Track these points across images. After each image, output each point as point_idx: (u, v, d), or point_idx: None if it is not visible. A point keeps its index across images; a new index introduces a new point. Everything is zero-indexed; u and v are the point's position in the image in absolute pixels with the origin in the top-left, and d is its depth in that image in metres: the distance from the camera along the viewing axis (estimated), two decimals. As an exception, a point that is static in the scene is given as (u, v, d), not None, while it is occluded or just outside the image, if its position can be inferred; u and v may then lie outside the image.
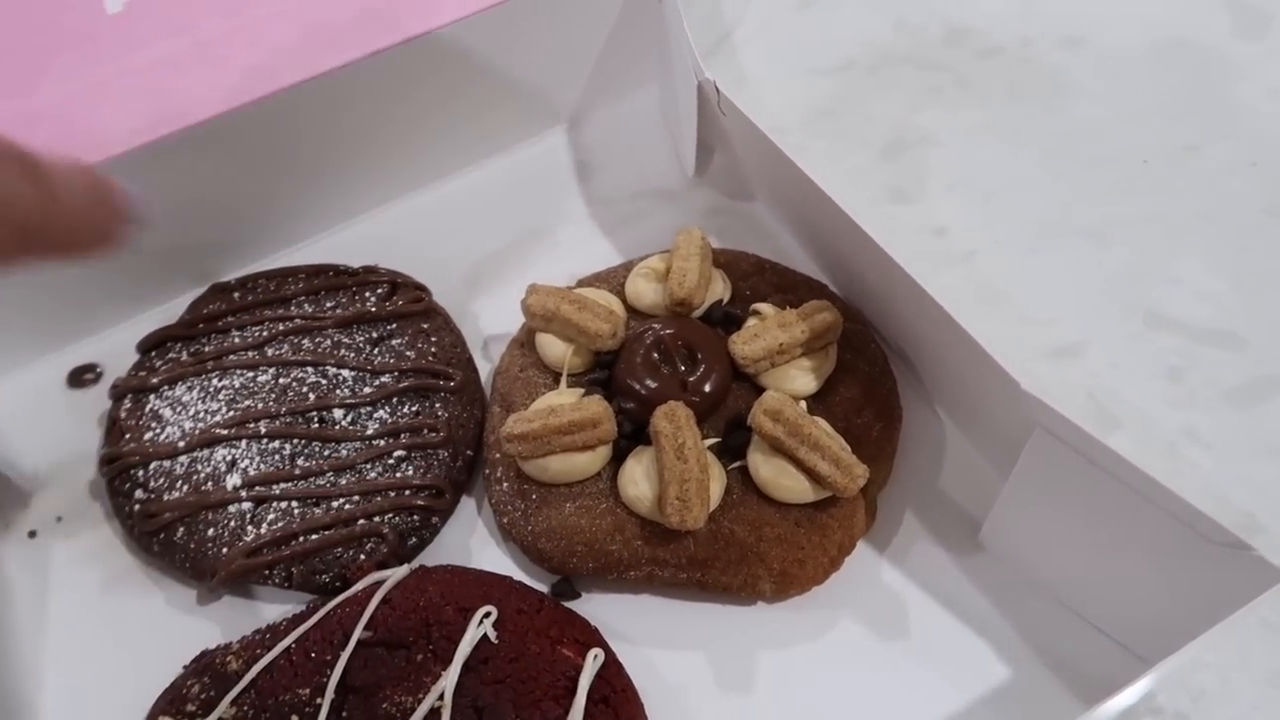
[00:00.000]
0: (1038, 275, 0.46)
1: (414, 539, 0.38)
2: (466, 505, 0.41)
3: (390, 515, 0.38)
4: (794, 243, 0.47)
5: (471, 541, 0.40)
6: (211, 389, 0.40)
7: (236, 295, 0.43)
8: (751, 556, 0.36)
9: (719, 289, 0.42)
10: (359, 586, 0.36)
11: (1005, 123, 0.52)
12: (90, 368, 0.45)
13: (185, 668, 0.36)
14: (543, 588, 0.38)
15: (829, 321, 0.39)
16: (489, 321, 0.46)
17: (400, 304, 0.43)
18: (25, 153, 0.26)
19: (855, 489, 0.36)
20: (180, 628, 0.38)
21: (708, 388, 0.38)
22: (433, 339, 0.42)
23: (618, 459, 0.38)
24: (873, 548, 0.39)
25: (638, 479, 0.37)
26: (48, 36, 0.46)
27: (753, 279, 0.43)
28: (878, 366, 0.41)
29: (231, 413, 0.39)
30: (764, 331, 0.39)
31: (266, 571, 0.37)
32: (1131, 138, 0.50)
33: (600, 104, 0.52)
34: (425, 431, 0.39)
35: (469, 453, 0.41)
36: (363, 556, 0.37)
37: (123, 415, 0.40)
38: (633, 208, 0.49)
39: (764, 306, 0.41)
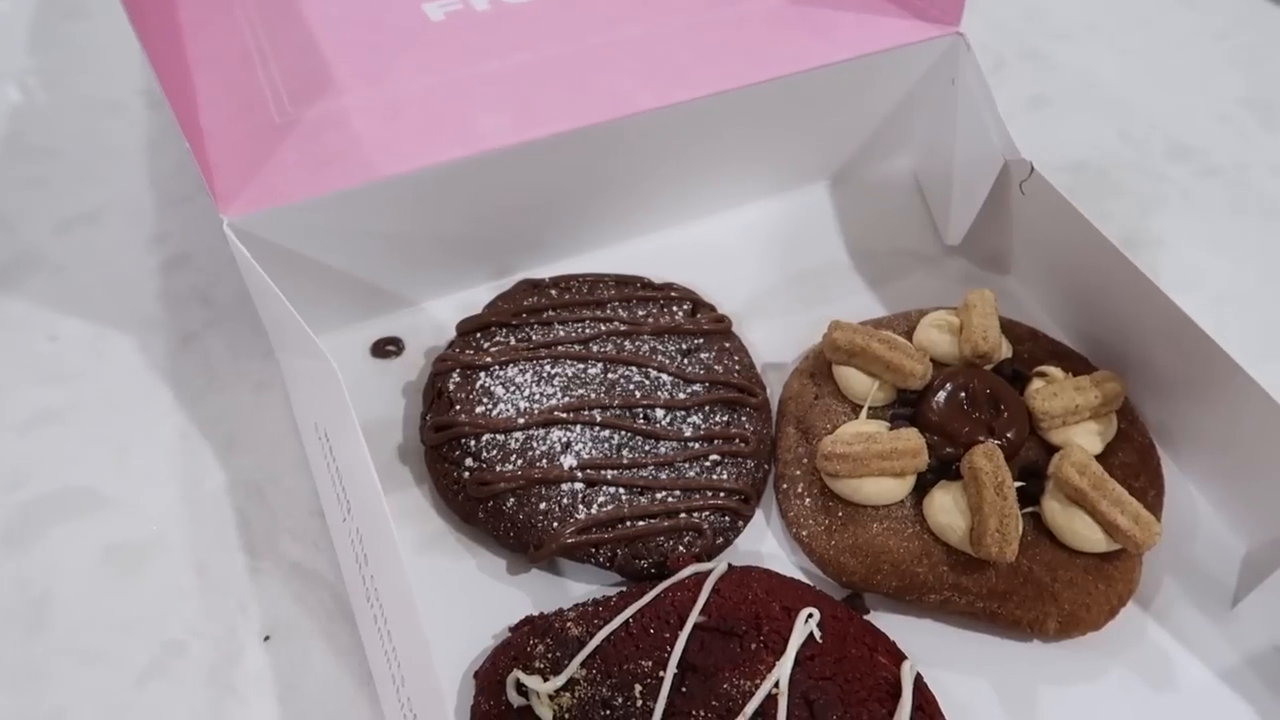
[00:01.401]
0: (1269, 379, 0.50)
1: (721, 539, 0.41)
2: (756, 516, 0.44)
3: (707, 513, 0.41)
4: (1045, 317, 0.51)
5: (762, 549, 0.43)
6: (545, 374, 0.43)
7: (554, 292, 0.47)
8: (1046, 595, 0.39)
9: (1005, 349, 0.46)
10: (683, 574, 0.39)
11: (1227, 236, 0.56)
12: (393, 340, 0.48)
13: (514, 629, 0.39)
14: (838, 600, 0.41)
15: (1116, 390, 0.43)
16: (763, 349, 0.49)
17: (705, 322, 0.46)
18: None
19: (1152, 544, 0.39)
20: (492, 592, 0.41)
21: (1011, 435, 0.41)
22: (735, 358, 0.46)
23: (919, 490, 0.41)
24: (1138, 605, 0.42)
25: (948, 509, 0.40)
26: (386, 32, 0.50)
27: (1028, 344, 0.47)
28: (1147, 438, 0.44)
29: (567, 398, 0.42)
30: (1061, 391, 0.42)
31: (593, 549, 0.40)
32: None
33: (860, 166, 0.56)
34: (736, 441, 0.43)
35: (767, 466, 0.44)
36: (681, 548, 0.40)
37: (451, 388, 0.43)
38: (890, 264, 0.53)
39: (1051, 370, 0.44)
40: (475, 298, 0.49)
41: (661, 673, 0.36)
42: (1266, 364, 0.50)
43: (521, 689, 0.36)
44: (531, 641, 0.37)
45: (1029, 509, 0.41)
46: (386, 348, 0.48)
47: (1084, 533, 0.40)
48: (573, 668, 0.36)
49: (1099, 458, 0.42)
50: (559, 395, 0.42)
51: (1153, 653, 0.41)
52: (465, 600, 0.41)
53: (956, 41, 0.51)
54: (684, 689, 0.36)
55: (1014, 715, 0.39)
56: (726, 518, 0.41)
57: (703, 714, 0.35)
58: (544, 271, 0.50)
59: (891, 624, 0.41)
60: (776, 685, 0.36)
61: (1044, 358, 0.46)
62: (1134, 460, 0.43)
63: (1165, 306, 0.41)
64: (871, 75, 0.51)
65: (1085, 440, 0.42)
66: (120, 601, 0.40)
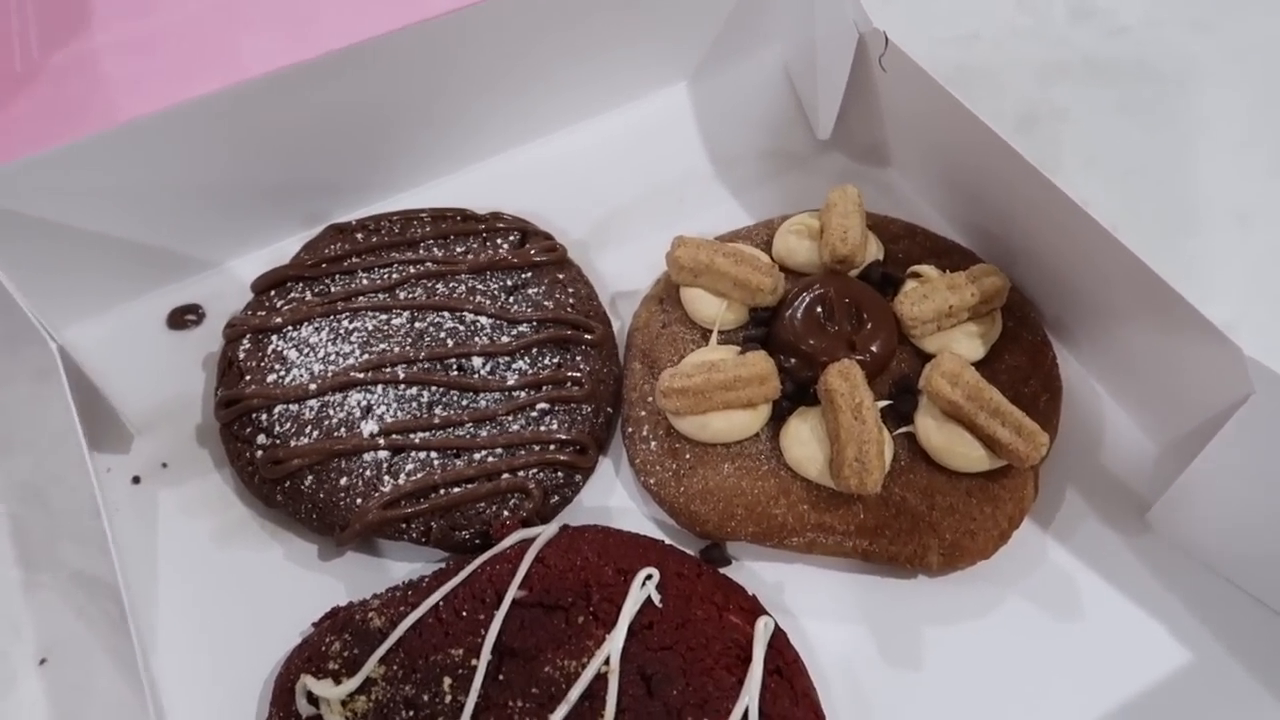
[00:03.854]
0: (1185, 256, 0.45)
1: (556, 497, 0.36)
2: (603, 465, 0.39)
3: (535, 470, 0.36)
4: (932, 211, 0.45)
5: (611, 502, 0.38)
6: (342, 331, 0.37)
7: (359, 236, 0.41)
8: (924, 526, 0.34)
9: (873, 250, 0.40)
10: (506, 544, 0.34)
11: (1138, 102, 0.50)
12: (192, 308, 0.42)
13: (317, 624, 0.34)
14: (690, 553, 0.36)
15: (997, 286, 0.37)
16: (615, 277, 0.44)
17: (534, 253, 0.40)
18: None
19: (1038, 457, 0.34)
20: (301, 583, 0.36)
21: (875, 347, 0.36)
22: (569, 290, 0.40)
23: (776, 419, 0.36)
24: (1036, 524, 0.37)
25: (805, 439, 0.35)
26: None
27: (903, 242, 0.41)
28: (1039, 335, 0.39)
29: (366, 356, 0.37)
30: (932, 293, 0.37)
31: (404, 525, 0.35)
32: (1273, 125, 0.49)
33: (721, 62, 0.50)
34: (568, 385, 0.37)
35: (609, 409, 0.38)
36: (506, 513, 0.35)
37: (241, 356, 0.38)
38: (759, 168, 0.47)
39: (926, 269, 0.39)
40: (284, 251, 0.43)
41: (474, 661, 0.31)
42: (1177, 239, 0.45)
43: (312, 697, 0.31)
44: (328, 639, 0.32)
45: (903, 429, 0.36)
46: (185, 317, 0.42)
47: (962, 451, 0.35)
48: (369, 666, 0.31)
49: (982, 364, 0.37)
50: (357, 353, 0.37)
51: (1054, 577, 0.36)
52: (272, 595, 0.36)
53: (804, -95, 0.44)
54: (500, 677, 0.31)
55: (897, 662, 0.34)
56: (560, 474, 0.36)
57: (521, 704, 0.30)
58: (357, 212, 0.44)
59: (759, 573, 0.36)
60: (607, 662, 0.31)
61: (921, 256, 0.40)
62: (1023, 362, 0.38)
63: (1053, 192, 0.35)
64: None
65: (963, 346, 0.37)
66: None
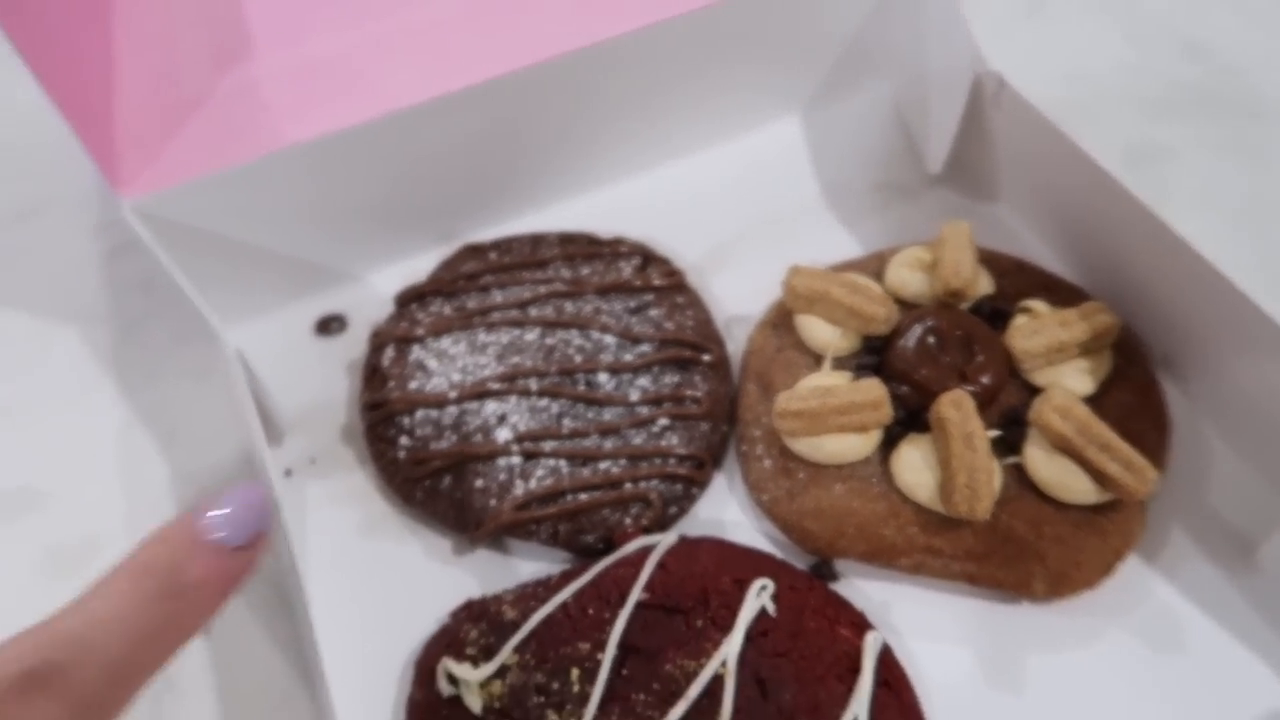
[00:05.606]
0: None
1: (674, 508, 0.38)
2: (717, 480, 0.41)
3: (655, 482, 0.38)
4: (1042, 247, 0.46)
5: (724, 516, 0.40)
6: (479, 343, 0.40)
7: (493, 256, 0.44)
8: (1030, 554, 0.36)
9: (985, 284, 0.41)
10: (628, 549, 0.36)
11: (1248, 142, 0.50)
12: (336, 318, 0.46)
13: (453, 614, 0.36)
14: (800, 568, 0.38)
15: (1108, 323, 0.38)
16: (729, 301, 0.46)
17: (655, 278, 0.43)
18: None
19: (1146, 492, 0.35)
20: (437, 575, 0.39)
21: (986, 379, 0.38)
22: (688, 313, 0.42)
23: (887, 444, 0.38)
24: (1142, 559, 0.38)
25: (916, 465, 0.36)
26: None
27: (1013, 277, 0.42)
28: (1148, 374, 0.40)
29: (501, 367, 0.39)
30: (1043, 328, 0.38)
31: (533, 526, 0.37)
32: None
33: (832, 95, 0.52)
34: (687, 403, 0.39)
35: (724, 428, 0.40)
36: (628, 521, 0.37)
37: (385, 363, 0.41)
38: (869, 200, 0.49)
39: (1036, 304, 0.40)
40: (421, 266, 0.46)
41: (600, 655, 0.33)
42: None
43: (452, 678, 0.34)
44: (466, 627, 0.35)
45: (1010, 460, 0.37)
46: (329, 325, 0.46)
47: (1071, 483, 0.36)
48: (504, 654, 0.34)
49: (1092, 399, 0.38)
50: (493, 365, 0.40)
51: (1159, 612, 0.37)
52: (411, 585, 0.39)
53: (924, -51, 0.46)
54: (624, 672, 0.33)
55: (998, 686, 0.36)
56: (678, 486, 0.38)
57: (644, 698, 0.33)
58: (492, 234, 0.47)
59: (866, 591, 0.38)
60: (724, 664, 0.33)
61: (1031, 291, 0.42)
62: (1132, 399, 0.39)
63: (1162, 231, 0.36)
64: (834, -8, 0.47)
65: (1073, 380, 0.38)
66: (58, 603, 0.39)
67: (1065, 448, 0.36)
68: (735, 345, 0.44)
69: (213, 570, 0.24)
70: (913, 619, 0.37)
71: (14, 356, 0.46)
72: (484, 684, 0.33)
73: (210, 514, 0.24)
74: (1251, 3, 0.57)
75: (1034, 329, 0.38)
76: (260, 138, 0.41)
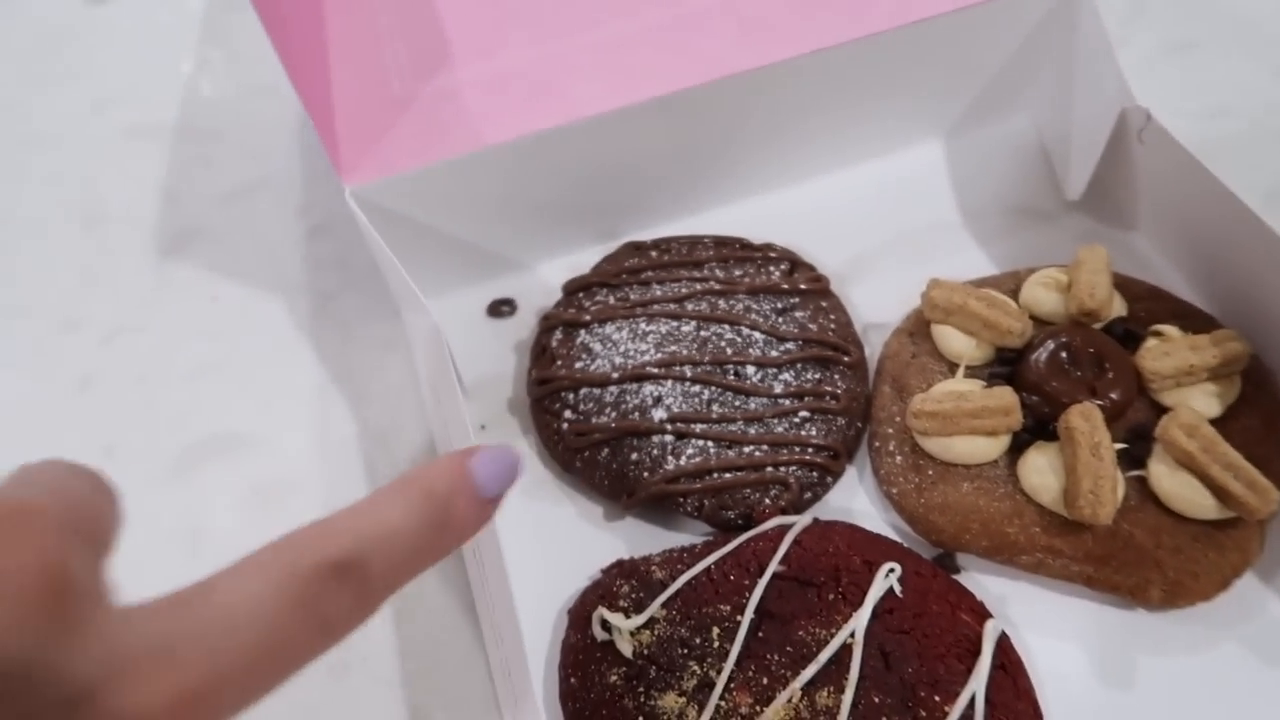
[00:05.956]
0: None
1: (809, 493, 0.42)
2: (848, 473, 0.44)
3: (793, 468, 0.41)
4: (1176, 275, 0.48)
5: (853, 505, 0.43)
6: (640, 331, 0.45)
7: (653, 254, 0.48)
8: (1148, 561, 0.38)
9: (1118, 307, 0.44)
10: (766, 526, 0.40)
11: (1399, 185, 0.51)
12: (507, 301, 0.51)
13: (605, 571, 0.41)
14: (925, 557, 0.41)
15: (1239, 351, 0.40)
16: (866, 308, 0.49)
17: (802, 282, 0.46)
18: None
19: (1267, 512, 0.37)
20: (589, 537, 0.43)
21: (1115, 395, 0.40)
22: (831, 317, 0.46)
23: (1014, 449, 0.41)
24: (1258, 578, 0.40)
25: (1042, 469, 0.39)
26: (504, 7, 0.53)
27: (1146, 302, 0.44)
28: (1276, 402, 0.41)
29: (659, 354, 0.44)
30: (1174, 351, 0.40)
31: (680, 499, 0.41)
32: None
33: (975, 122, 0.54)
34: (826, 398, 0.43)
35: (859, 424, 0.44)
36: (767, 501, 0.41)
37: (554, 344, 0.45)
38: (1005, 222, 0.52)
39: (1168, 328, 0.42)
40: (583, 259, 0.51)
41: (739, 617, 0.37)
42: None
43: (606, 625, 0.38)
44: (618, 582, 0.39)
45: (1134, 473, 0.39)
46: (501, 307, 0.51)
47: (1193, 498, 0.38)
48: (654, 608, 0.38)
49: (1218, 421, 0.40)
50: (652, 351, 0.44)
51: (1272, 629, 0.39)
52: (563, 543, 0.43)
53: (1076, -13, 0.48)
54: (760, 634, 0.37)
55: (1109, 683, 0.38)
56: (814, 473, 0.42)
57: (777, 658, 0.36)
58: (648, 234, 0.51)
59: (984, 584, 0.41)
60: (852, 635, 0.36)
61: (1163, 316, 0.44)
62: (1258, 425, 0.40)
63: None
64: (983, 25, 0.49)
65: (1201, 403, 0.40)
66: (262, 533, 0.45)
67: (1189, 464, 0.38)
68: (871, 349, 0.47)
69: (470, 512, 0.25)
70: (1029, 614, 0.40)
71: (227, 318, 0.53)
72: (635, 632, 0.37)
73: (479, 461, 0.25)
74: None
75: (1164, 351, 0.40)
76: (458, 138, 0.46)
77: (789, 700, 0.35)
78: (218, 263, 0.55)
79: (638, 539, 0.43)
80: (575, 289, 0.48)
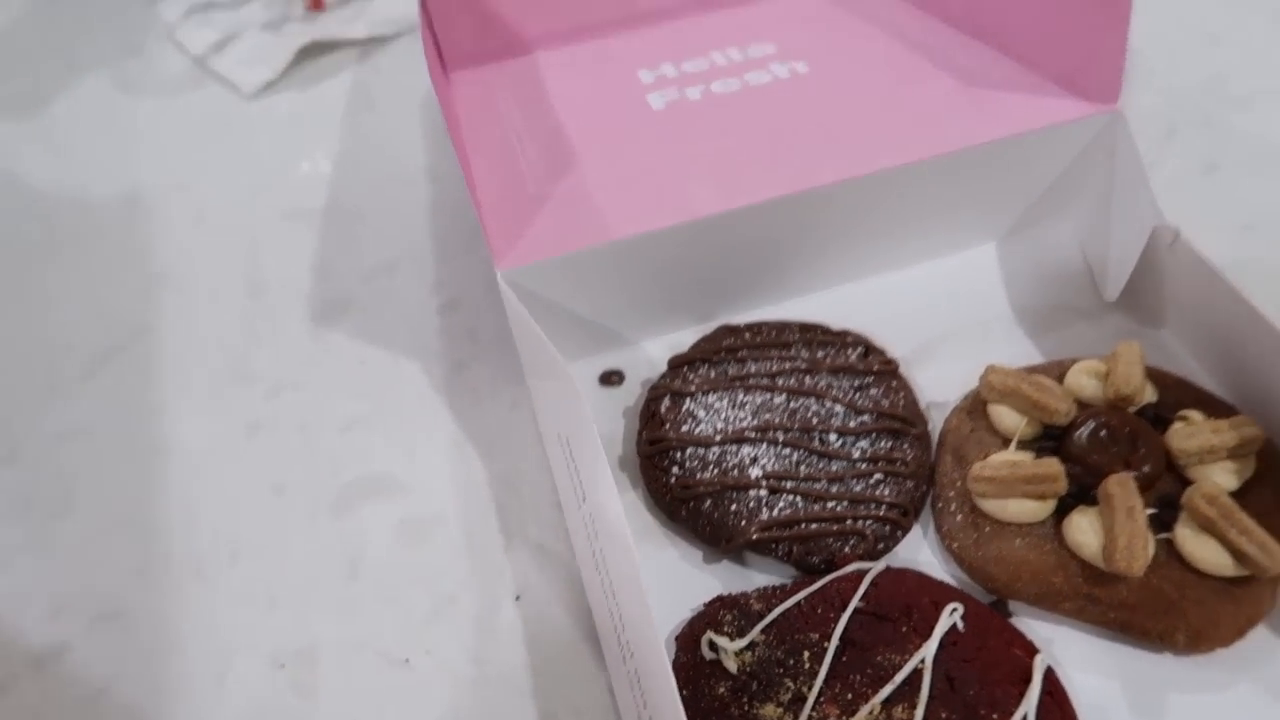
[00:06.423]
0: None
1: (882, 544, 0.49)
2: (914, 529, 0.51)
3: (869, 522, 0.49)
4: (1200, 369, 0.55)
5: (919, 557, 0.50)
6: (738, 401, 0.53)
7: (746, 335, 0.56)
8: (1175, 611, 0.45)
9: (1149, 394, 0.51)
10: (846, 570, 0.47)
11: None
12: (617, 372, 0.59)
13: (707, 604, 0.48)
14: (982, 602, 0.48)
15: (1254, 434, 0.47)
16: (929, 389, 0.56)
17: (875, 365, 0.54)
18: None
19: (1276, 570, 0.43)
20: (689, 576, 0.50)
21: (1147, 468, 0.47)
22: (900, 395, 0.53)
23: (1060, 511, 0.48)
24: (1270, 629, 0.46)
25: (1084, 529, 0.46)
26: (620, 120, 0.62)
27: (1173, 391, 0.52)
28: (1287, 480, 0.48)
29: (755, 421, 0.52)
30: (1198, 432, 0.47)
31: (773, 545, 0.49)
32: None
33: (1025, 230, 0.63)
34: (897, 464, 0.50)
35: (924, 488, 0.51)
36: (846, 549, 0.48)
37: (663, 410, 0.53)
38: (1051, 318, 0.59)
39: (1193, 413, 0.49)
40: (682, 339, 0.59)
41: (826, 644, 0.44)
42: None
43: (713, 646, 0.45)
44: (721, 613, 0.47)
45: (1163, 535, 0.46)
46: (611, 378, 0.59)
47: (1213, 558, 0.45)
48: (754, 633, 0.45)
49: (1235, 495, 0.47)
50: (749, 419, 0.52)
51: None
52: (669, 582, 0.50)
53: (1115, 119, 0.57)
54: (844, 658, 0.44)
55: (1140, 715, 0.44)
56: (887, 527, 0.49)
57: (859, 679, 0.43)
58: (740, 318, 0.59)
59: (1033, 627, 0.47)
60: (922, 662, 0.43)
61: (1188, 403, 0.51)
62: (1270, 499, 0.47)
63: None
64: (1036, 149, 0.58)
65: (1221, 477, 0.47)
66: (410, 562, 0.53)
67: (1210, 529, 0.45)
68: (934, 424, 0.55)
69: None
70: (1071, 653, 0.46)
71: (374, 379, 0.61)
72: (739, 653, 0.45)
73: None
74: None
75: (1190, 433, 0.48)
76: (586, 232, 0.55)
77: (869, 713, 0.42)
78: (364, 331, 0.64)
79: (731, 579, 0.50)
80: (680, 363, 0.56)
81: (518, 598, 0.51)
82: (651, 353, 0.60)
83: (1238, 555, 0.44)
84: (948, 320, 0.60)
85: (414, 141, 0.77)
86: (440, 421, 0.59)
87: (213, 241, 0.71)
